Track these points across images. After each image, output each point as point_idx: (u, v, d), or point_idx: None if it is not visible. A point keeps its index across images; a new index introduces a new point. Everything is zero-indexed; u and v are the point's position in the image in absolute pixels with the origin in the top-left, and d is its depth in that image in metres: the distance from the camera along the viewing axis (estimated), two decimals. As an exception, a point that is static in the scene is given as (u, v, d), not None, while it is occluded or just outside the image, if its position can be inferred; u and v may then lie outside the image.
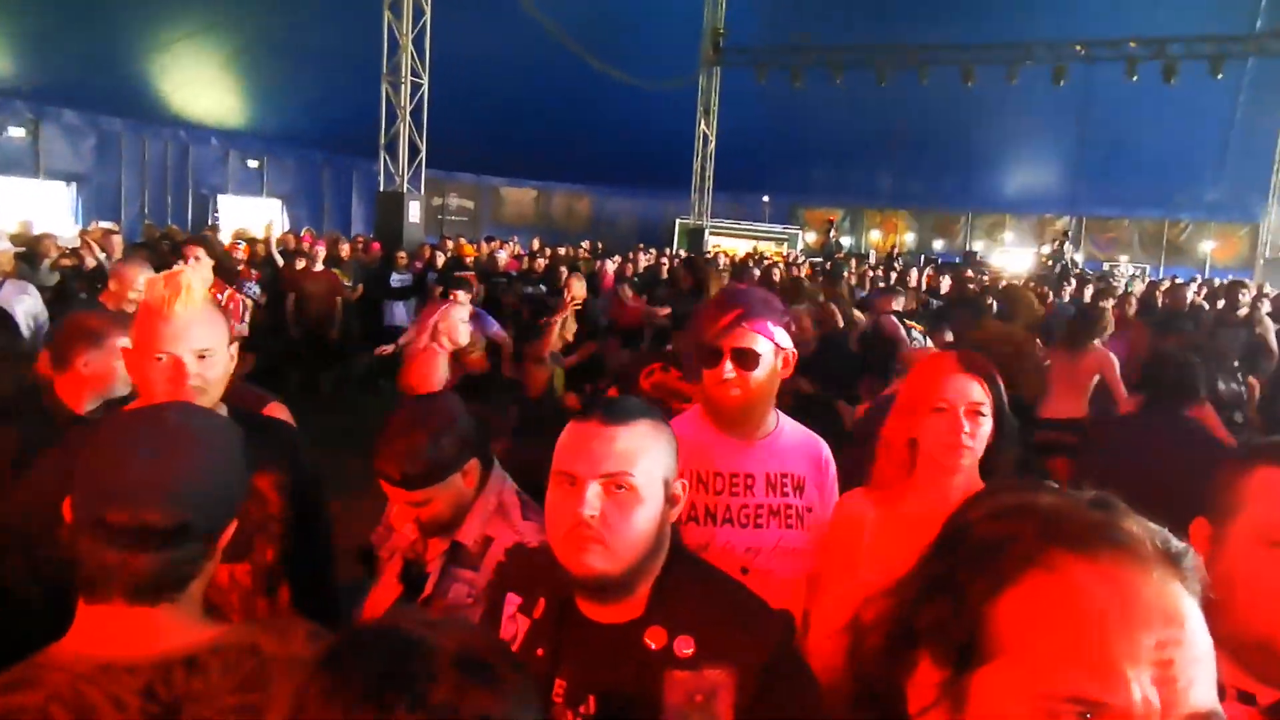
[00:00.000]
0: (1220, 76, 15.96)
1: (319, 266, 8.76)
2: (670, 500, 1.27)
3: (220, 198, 18.09)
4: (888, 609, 0.73)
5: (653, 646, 1.21)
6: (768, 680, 1.19)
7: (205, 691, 1.04)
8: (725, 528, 1.81)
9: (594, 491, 1.19)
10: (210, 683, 1.05)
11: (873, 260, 18.45)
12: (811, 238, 23.86)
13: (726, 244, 20.63)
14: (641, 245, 16.96)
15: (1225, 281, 9.67)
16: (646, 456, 1.23)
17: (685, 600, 1.24)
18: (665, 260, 12.27)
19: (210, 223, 16.04)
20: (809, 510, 1.89)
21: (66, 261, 7.46)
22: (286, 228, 16.48)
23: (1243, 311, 7.14)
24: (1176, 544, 0.65)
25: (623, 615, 1.24)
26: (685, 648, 1.20)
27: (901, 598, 0.72)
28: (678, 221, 21.90)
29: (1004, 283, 10.14)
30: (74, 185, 15.37)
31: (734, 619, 1.24)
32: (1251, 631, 1.05)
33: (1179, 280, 11.47)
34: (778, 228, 23.35)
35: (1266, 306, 7.78)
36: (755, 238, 22.00)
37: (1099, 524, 0.65)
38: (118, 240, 8.13)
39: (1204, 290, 11.42)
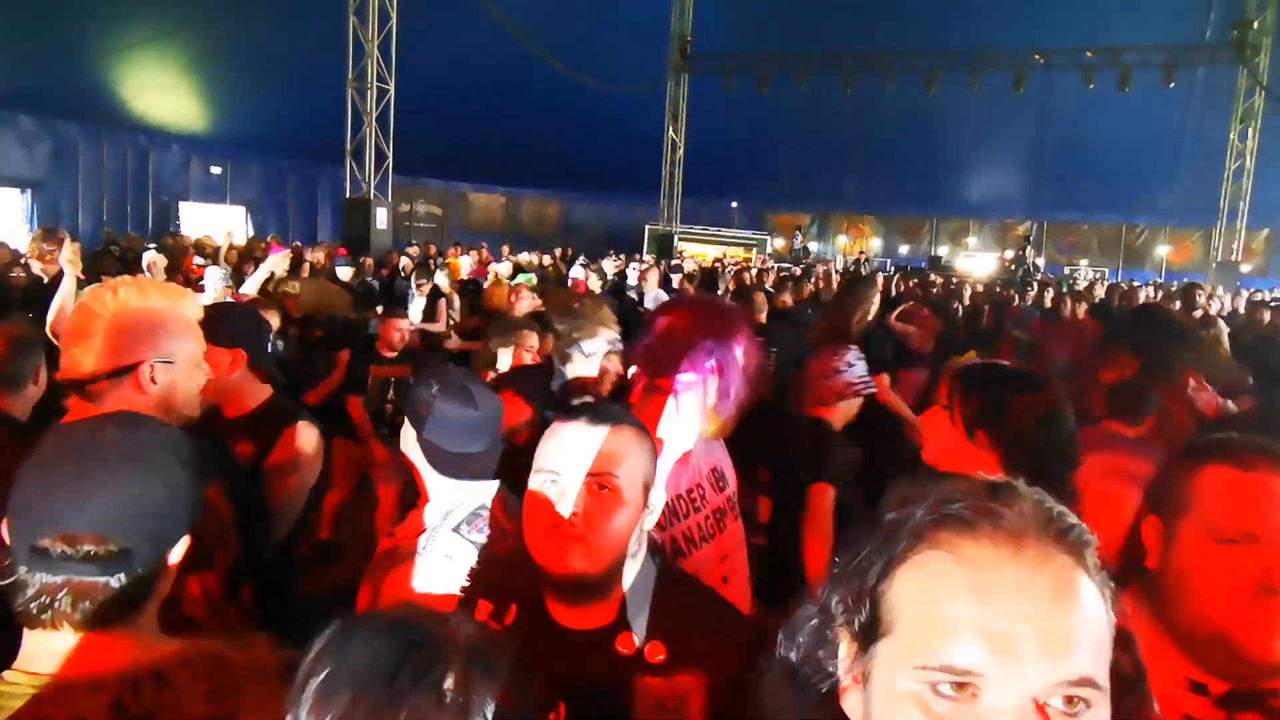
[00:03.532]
0: (1172, 85, 16.39)
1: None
2: (648, 506, 1.27)
3: (182, 204, 17.74)
4: (815, 596, 0.76)
5: (624, 652, 1.20)
6: (740, 686, 1.18)
7: (176, 703, 1.00)
8: (705, 546, 1.77)
9: (577, 490, 1.19)
10: (180, 695, 1.01)
11: (839, 265, 18.65)
12: (779, 243, 24.04)
13: (694, 249, 20.70)
14: (611, 251, 16.96)
15: (1180, 284, 9.93)
16: (630, 459, 1.23)
17: (657, 606, 1.24)
18: (636, 266, 12.21)
19: (171, 229, 15.73)
20: (734, 495, 1.92)
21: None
22: (251, 234, 16.24)
23: (1198, 313, 7.32)
24: (1067, 521, 0.66)
25: (594, 620, 1.23)
26: (657, 654, 1.20)
27: (824, 583, 0.75)
28: (647, 227, 21.94)
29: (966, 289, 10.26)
30: (28, 192, 14.99)
31: (706, 625, 1.25)
32: (1204, 625, 1.08)
33: (1136, 284, 11.76)
34: (746, 233, 23.49)
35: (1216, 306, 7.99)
36: (723, 243, 22.10)
37: (986, 505, 0.66)
38: (71, 245, 7.87)
39: (1159, 294, 11.70)
